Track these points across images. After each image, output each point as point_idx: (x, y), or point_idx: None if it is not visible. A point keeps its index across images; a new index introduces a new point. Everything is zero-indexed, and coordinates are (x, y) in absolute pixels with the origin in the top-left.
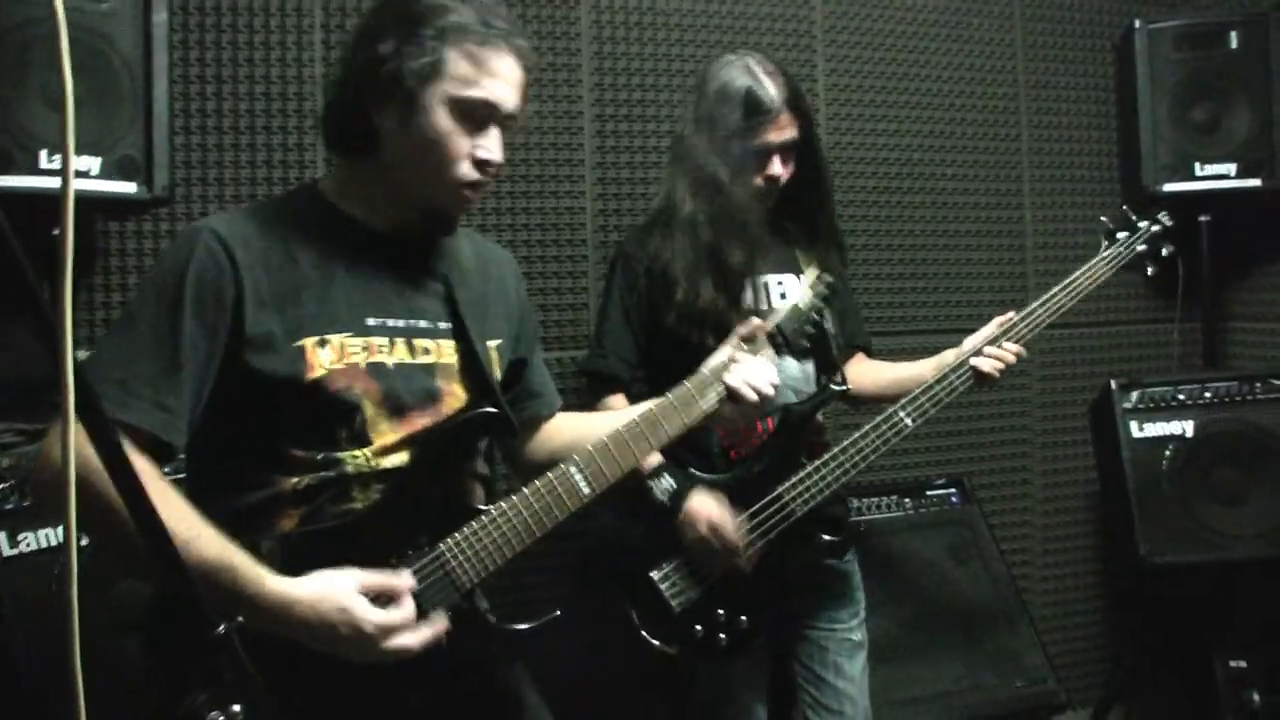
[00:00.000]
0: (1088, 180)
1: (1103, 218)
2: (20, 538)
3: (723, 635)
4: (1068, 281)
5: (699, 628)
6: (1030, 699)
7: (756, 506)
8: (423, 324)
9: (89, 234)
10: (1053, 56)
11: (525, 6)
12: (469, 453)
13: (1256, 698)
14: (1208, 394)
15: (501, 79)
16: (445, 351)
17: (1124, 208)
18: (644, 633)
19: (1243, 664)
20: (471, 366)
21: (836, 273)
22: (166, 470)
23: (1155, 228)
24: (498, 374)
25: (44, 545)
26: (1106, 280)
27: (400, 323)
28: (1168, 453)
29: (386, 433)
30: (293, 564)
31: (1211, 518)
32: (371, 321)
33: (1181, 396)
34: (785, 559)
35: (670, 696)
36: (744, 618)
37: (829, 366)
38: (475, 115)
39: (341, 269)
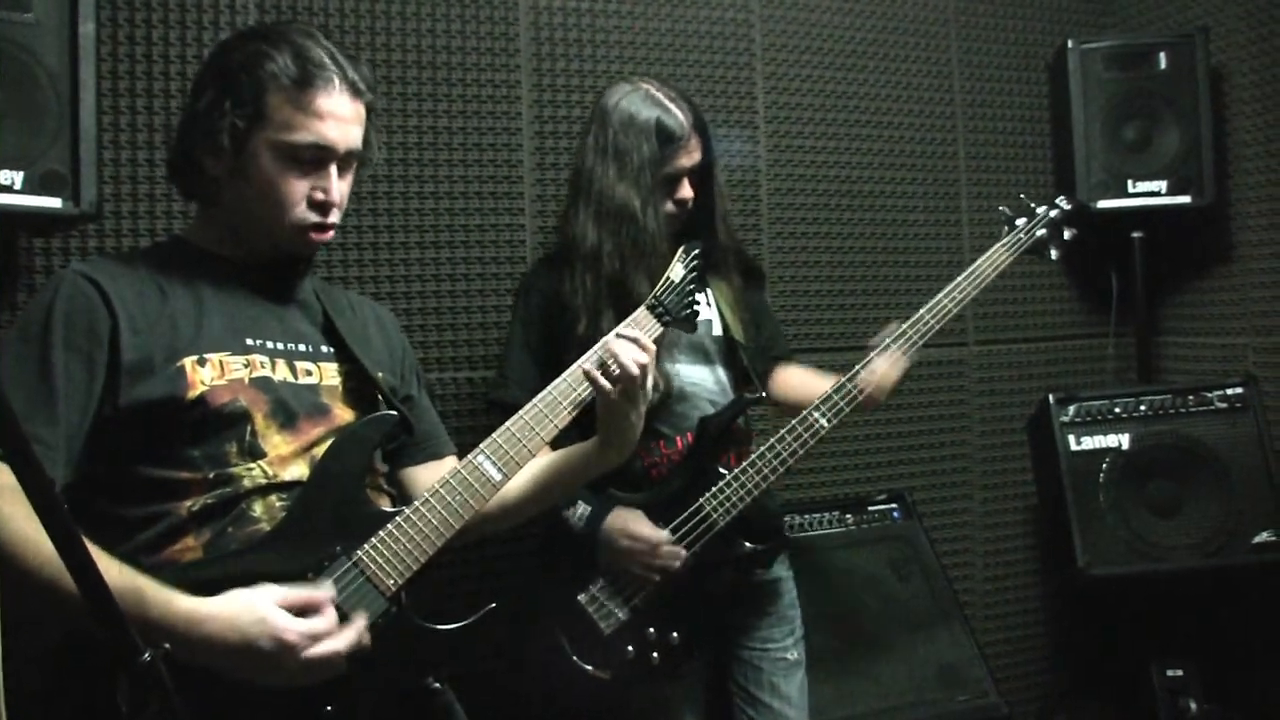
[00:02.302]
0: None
1: (1001, 206)
2: None
3: (655, 654)
4: (970, 270)
5: (630, 648)
6: (972, 712)
7: (677, 521)
8: (302, 347)
9: (11, 251)
10: (988, 75)
11: (464, 23)
12: (371, 458)
13: (1193, 705)
14: (1142, 407)
15: (330, 119)
16: (328, 373)
17: (1021, 195)
18: (574, 658)
19: (1179, 673)
20: (357, 388)
21: (745, 288)
22: None
23: (1053, 212)
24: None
25: None
26: (1014, 263)
27: (279, 345)
28: (1104, 465)
29: (280, 444)
30: (203, 592)
31: (1147, 529)
32: (250, 342)
33: (1117, 410)
34: (711, 571)
35: None
36: (675, 634)
37: (744, 376)
38: (305, 158)
39: (213, 298)
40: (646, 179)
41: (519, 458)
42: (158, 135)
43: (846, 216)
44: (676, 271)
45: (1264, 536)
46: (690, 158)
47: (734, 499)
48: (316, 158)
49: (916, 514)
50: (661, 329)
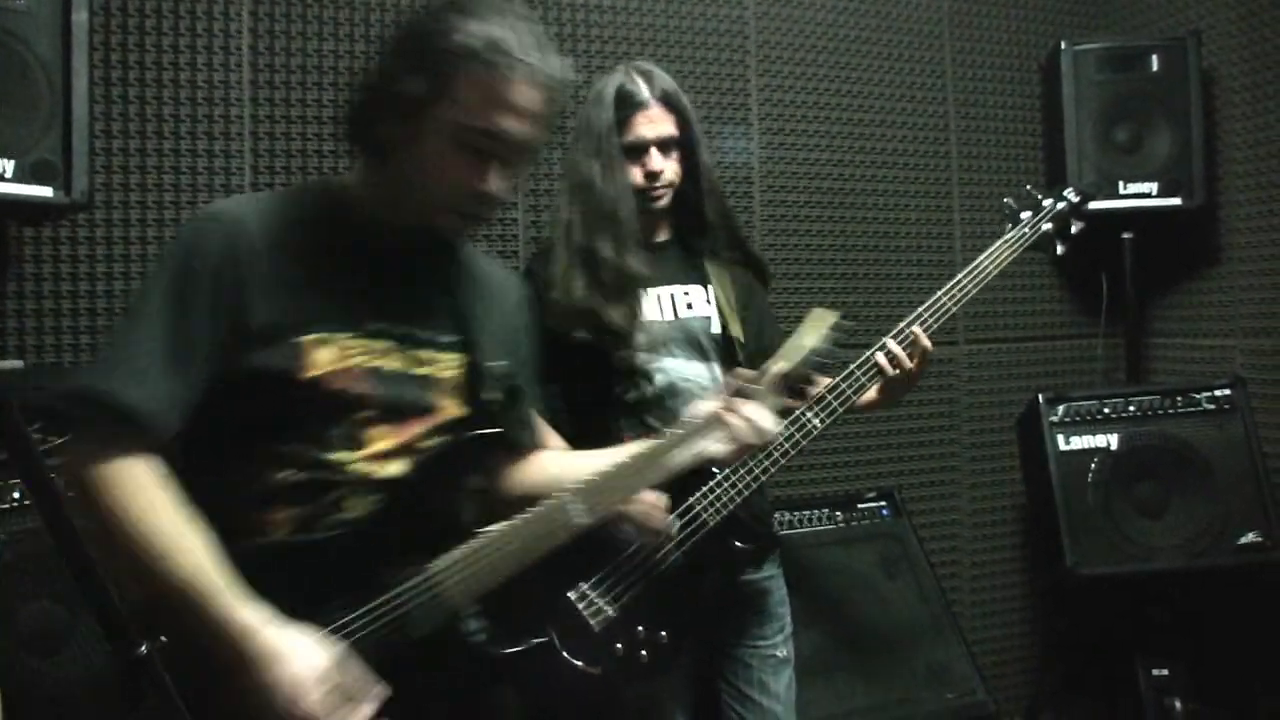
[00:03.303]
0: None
1: (1006, 199)
2: None
3: (644, 652)
4: (972, 267)
5: (619, 645)
6: (960, 710)
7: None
8: (426, 334)
9: (2, 240)
10: (981, 75)
11: None
12: (469, 469)
13: (1179, 705)
14: (1131, 407)
15: (513, 112)
16: (445, 365)
17: (1028, 187)
18: (564, 654)
19: (1165, 672)
20: (470, 383)
21: (749, 288)
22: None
23: (1060, 205)
24: (496, 395)
25: None
26: (1013, 261)
27: (400, 329)
28: (1093, 465)
29: (381, 438)
30: (283, 572)
31: (1135, 529)
32: (374, 325)
33: (1106, 410)
34: (701, 571)
35: None
36: (664, 633)
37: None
38: (479, 146)
39: (351, 267)
40: (607, 146)
41: (607, 503)
42: (149, 125)
43: (839, 215)
44: (813, 339)
45: (1249, 537)
46: (653, 127)
47: (725, 498)
48: (491, 148)
49: (906, 512)
50: (783, 401)
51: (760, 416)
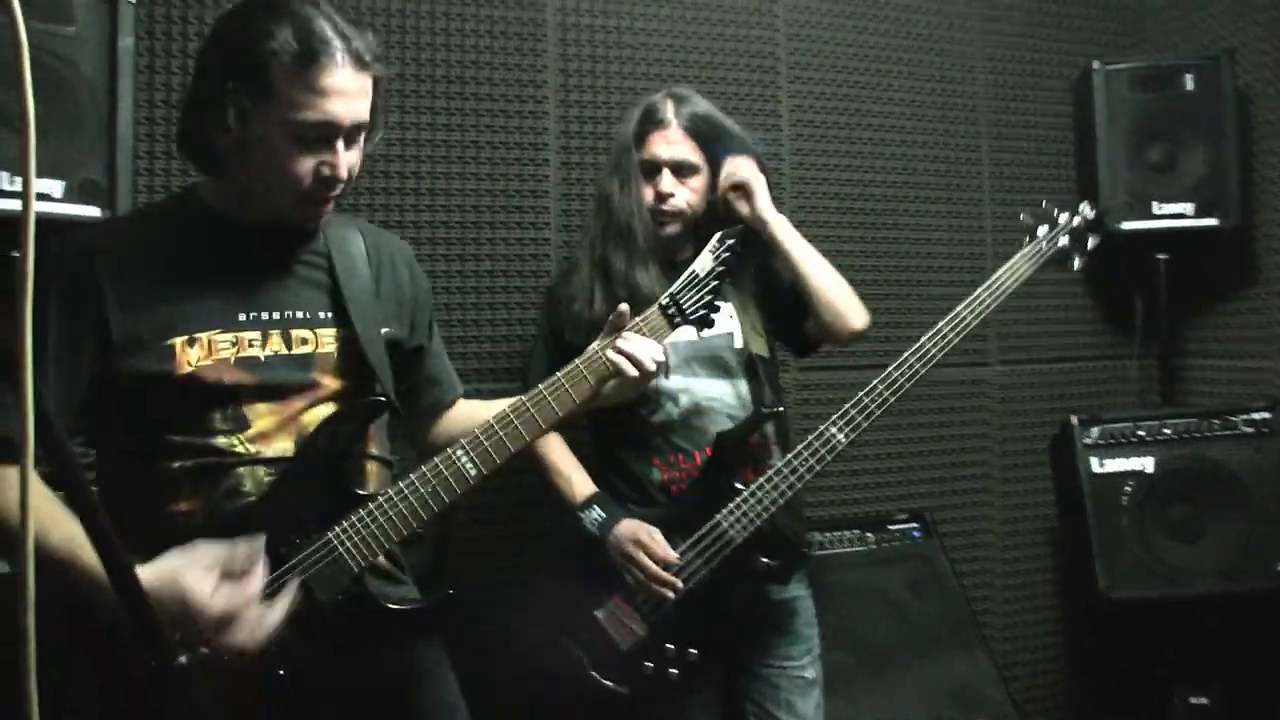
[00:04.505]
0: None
1: (1022, 215)
2: None
3: (673, 670)
4: (990, 282)
5: (648, 664)
6: None
7: (695, 537)
8: (300, 314)
9: (51, 257)
10: (1013, 95)
11: (492, 39)
12: (357, 438)
13: None
14: (1167, 430)
15: (335, 95)
16: (324, 340)
17: (1044, 202)
18: (593, 673)
19: (1204, 700)
20: (352, 353)
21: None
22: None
23: (1075, 219)
24: (387, 361)
25: None
26: (1030, 278)
27: (275, 314)
28: (1127, 488)
29: (264, 415)
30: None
31: (1170, 553)
32: (243, 317)
33: (1141, 433)
34: (728, 588)
35: None
36: (693, 650)
37: (761, 389)
38: (311, 136)
39: (214, 266)
40: (625, 161)
41: (498, 454)
42: None
43: (870, 234)
44: (703, 263)
45: None
46: (669, 149)
47: (751, 515)
48: (323, 135)
49: (937, 534)
50: (671, 330)
51: (638, 349)
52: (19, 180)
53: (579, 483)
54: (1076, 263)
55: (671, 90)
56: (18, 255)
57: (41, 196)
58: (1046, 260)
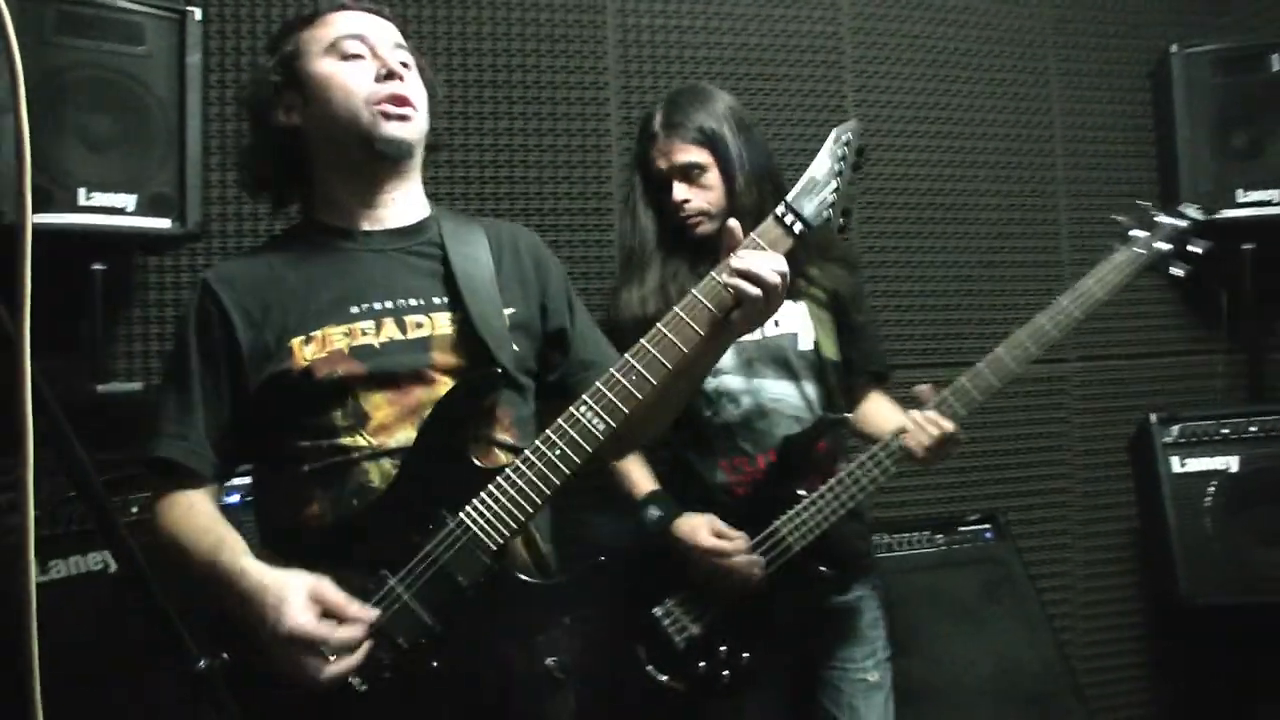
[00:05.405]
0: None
1: (1118, 216)
2: (51, 565)
3: (726, 672)
4: (1077, 289)
5: (703, 664)
6: None
7: (753, 542)
8: (413, 302)
9: (128, 269)
10: (1088, 84)
11: (553, 41)
12: (474, 419)
13: None
14: (1253, 428)
15: (354, 19)
16: (440, 324)
17: (1139, 203)
18: (650, 667)
19: None
20: (471, 335)
21: (844, 300)
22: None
23: (1180, 222)
24: (515, 345)
25: (74, 572)
26: (1124, 285)
27: (387, 304)
28: (1210, 489)
29: (383, 406)
30: (329, 554)
31: (1256, 558)
32: (355, 309)
33: (1225, 430)
34: (784, 593)
35: None
36: (746, 655)
37: (834, 394)
38: (351, 50)
39: (325, 271)
40: (632, 178)
41: (626, 404)
42: None
43: (939, 230)
44: (820, 165)
45: None
46: (666, 158)
47: (810, 524)
48: (363, 48)
49: (1010, 535)
50: (793, 242)
51: (757, 263)
52: (96, 195)
53: (639, 480)
54: (1177, 270)
55: (672, 91)
56: (100, 268)
57: (114, 210)
58: (1144, 267)
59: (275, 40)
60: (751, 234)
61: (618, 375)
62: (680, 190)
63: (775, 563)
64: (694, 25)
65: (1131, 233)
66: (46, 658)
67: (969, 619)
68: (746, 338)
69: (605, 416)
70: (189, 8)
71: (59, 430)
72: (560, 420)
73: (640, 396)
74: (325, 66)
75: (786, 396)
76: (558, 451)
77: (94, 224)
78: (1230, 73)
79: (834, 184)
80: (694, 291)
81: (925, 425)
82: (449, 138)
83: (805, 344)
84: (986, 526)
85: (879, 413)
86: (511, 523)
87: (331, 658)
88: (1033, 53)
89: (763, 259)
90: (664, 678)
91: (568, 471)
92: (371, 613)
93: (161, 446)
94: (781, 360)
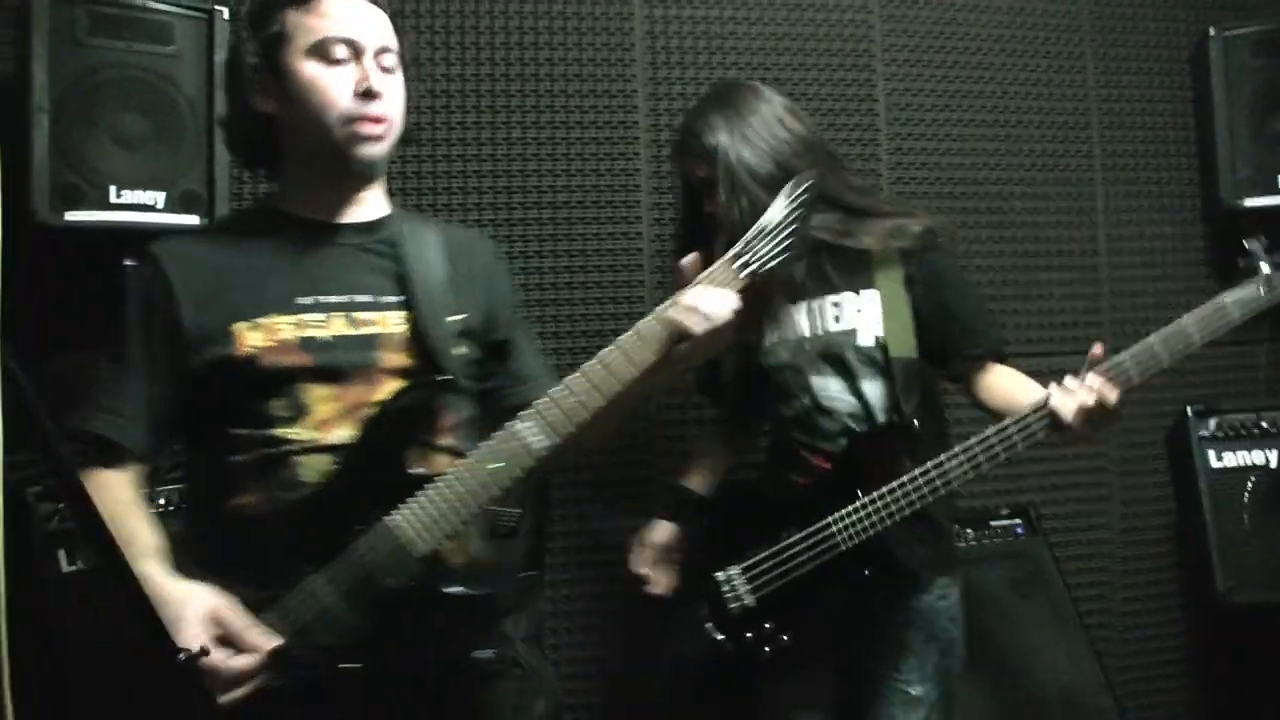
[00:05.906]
0: (1165, 197)
1: (1250, 240)
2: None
3: (766, 648)
4: (1174, 330)
5: (749, 635)
6: None
7: (805, 532)
8: (364, 298)
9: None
10: (1125, 69)
11: (580, 35)
12: (418, 425)
13: None
14: None
15: (347, 14)
16: (390, 322)
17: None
18: (708, 625)
19: None
20: (419, 336)
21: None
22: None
23: None
24: (462, 350)
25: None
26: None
27: (339, 298)
28: (1249, 484)
29: (326, 401)
30: (254, 545)
31: None
32: (304, 300)
33: (1265, 424)
34: (826, 589)
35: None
36: (785, 636)
37: (905, 395)
38: (337, 55)
39: (277, 259)
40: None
41: (559, 427)
42: None
43: (973, 220)
44: (775, 211)
45: None
46: (692, 174)
47: (862, 525)
48: (348, 53)
49: (1042, 530)
50: (745, 282)
51: (703, 301)
52: (126, 192)
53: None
54: None
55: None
56: (132, 264)
57: (144, 207)
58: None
59: (261, 12)
60: (704, 273)
61: (554, 400)
62: (709, 204)
63: (819, 558)
64: (722, 15)
65: (1263, 264)
66: (74, 647)
67: (998, 616)
68: (804, 334)
69: (547, 434)
70: (217, 7)
71: (37, 420)
72: (503, 432)
73: (574, 424)
74: (308, 70)
75: (840, 394)
76: (499, 465)
77: (124, 221)
78: (1272, 55)
79: (788, 231)
80: (637, 326)
81: (1081, 393)
82: (475, 132)
83: (865, 340)
84: (1018, 521)
85: (1009, 384)
86: (443, 531)
87: (221, 691)
88: (1068, 38)
89: (712, 295)
90: (720, 636)
91: (506, 485)
92: (270, 641)
93: (91, 421)
94: (836, 358)
